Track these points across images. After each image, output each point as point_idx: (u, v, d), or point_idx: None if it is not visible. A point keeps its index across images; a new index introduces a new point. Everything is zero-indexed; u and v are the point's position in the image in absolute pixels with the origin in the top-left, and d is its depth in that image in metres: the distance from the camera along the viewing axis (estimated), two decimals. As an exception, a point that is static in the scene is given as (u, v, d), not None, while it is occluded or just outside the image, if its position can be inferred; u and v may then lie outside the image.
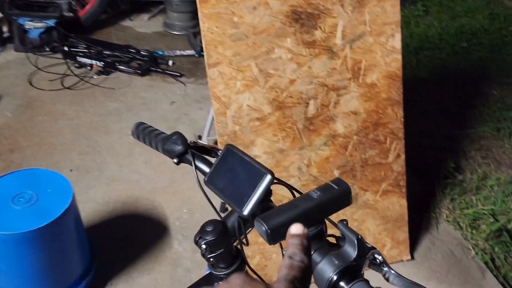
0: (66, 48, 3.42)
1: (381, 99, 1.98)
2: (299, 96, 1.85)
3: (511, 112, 3.50)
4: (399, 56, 1.96)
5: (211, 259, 0.76)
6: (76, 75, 3.25)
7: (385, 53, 1.94)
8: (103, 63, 3.36)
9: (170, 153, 0.88)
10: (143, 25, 4.22)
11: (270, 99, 1.81)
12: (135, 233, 2.15)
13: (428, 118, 3.20)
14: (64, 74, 3.24)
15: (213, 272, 0.80)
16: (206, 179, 0.78)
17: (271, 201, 0.74)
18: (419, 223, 2.33)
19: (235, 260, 0.79)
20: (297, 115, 1.86)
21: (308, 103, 1.87)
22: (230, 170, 0.75)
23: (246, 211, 0.69)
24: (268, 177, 0.69)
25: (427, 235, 2.29)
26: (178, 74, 3.41)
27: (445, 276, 2.09)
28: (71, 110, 2.93)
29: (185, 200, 2.35)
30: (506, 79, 3.96)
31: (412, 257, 2.15)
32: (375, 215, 2.06)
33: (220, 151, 0.91)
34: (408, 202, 2.08)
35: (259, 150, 1.84)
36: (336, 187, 0.63)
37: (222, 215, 0.81)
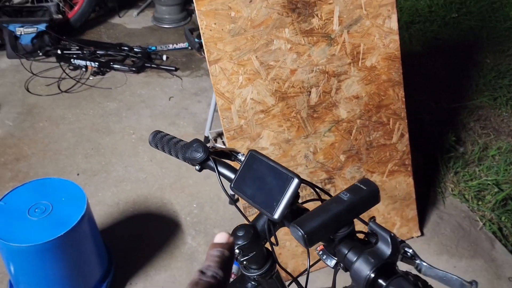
0: (59, 51, 3.40)
1: (382, 81, 1.99)
2: (301, 85, 1.87)
3: (506, 79, 3.53)
4: (397, 37, 1.98)
5: (244, 262, 0.79)
6: (72, 78, 3.24)
7: (383, 35, 1.95)
8: (97, 63, 3.35)
9: (191, 161, 0.90)
10: (132, 21, 4.19)
11: (272, 91, 1.83)
12: (148, 232, 2.18)
13: (425, 92, 3.23)
14: (60, 78, 3.23)
15: (246, 273, 0.83)
16: (232, 185, 0.80)
17: (299, 203, 0.76)
18: (425, 199, 2.37)
19: (266, 261, 0.81)
20: (300, 104, 1.88)
21: (310, 92, 1.89)
22: (256, 175, 0.77)
23: (277, 215, 0.72)
24: (296, 181, 0.72)
25: (435, 210, 2.34)
26: (173, 68, 3.41)
27: (455, 249, 2.13)
28: (71, 113, 2.93)
29: (193, 195, 2.38)
30: (498, 47, 3.98)
31: (422, 233, 2.20)
32: (383, 196, 2.10)
33: (240, 154, 0.94)
34: (413, 180, 2.11)
35: (265, 142, 1.86)
36: (365, 188, 0.65)
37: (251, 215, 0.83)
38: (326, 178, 1.98)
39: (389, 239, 0.61)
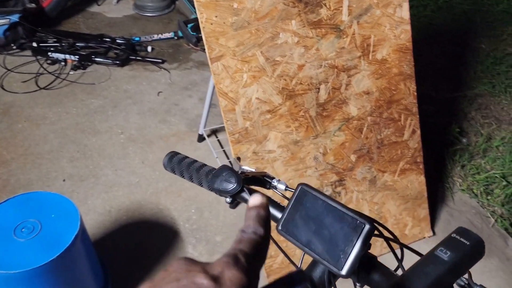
0: (35, 44, 3.17)
1: (393, 74, 1.86)
2: (309, 81, 1.72)
3: (503, 66, 3.45)
4: (408, 27, 1.85)
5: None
6: (50, 73, 3.02)
7: (394, 25, 1.82)
8: (77, 56, 3.13)
9: (222, 193, 0.75)
10: (112, 9, 3.95)
11: (279, 89, 1.68)
12: (145, 241, 2.02)
13: (426, 82, 3.12)
14: (37, 73, 3.01)
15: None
16: (280, 227, 0.65)
17: (371, 254, 0.63)
18: (435, 196, 2.27)
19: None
20: (309, 102, 1.74)
21: (319, 88, 1.74)
22: (310, 216, 0.63)
23: (345, 271, 0.57)
24: (367, 228, 0.58)
25: (444, 207, 2.24)
26: (160, 61, 3.21)
27: (470, 248, 2.04)
28: (52, 112, 2.72)
29: (191, 199, 2.23)
30: (492, 31, 3.90)
31: (434, 233, 2.10)
32: (395, 196, 1.99)
33: (275, 180, 0.79)
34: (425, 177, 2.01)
35: (273, 145, 1.71)
36: (466, 242, 0.51)
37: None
38: (337, 180, 1.86)
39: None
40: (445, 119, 2.80)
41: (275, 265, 1.83)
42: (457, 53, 3.55)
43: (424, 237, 2.08)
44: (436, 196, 2.28)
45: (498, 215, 2.21)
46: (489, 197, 2.31)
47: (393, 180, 1.97)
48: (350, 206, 1.92)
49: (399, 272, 0.64)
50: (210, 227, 2.09)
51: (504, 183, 2.37)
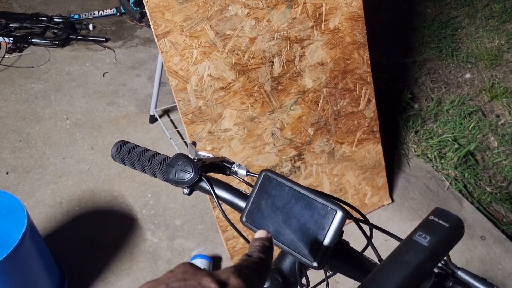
0: (-38, 27, 2.91)
1: (346, 44, 1.83)
2: (262, 55, 1.66)
3: (448, 29, 3.51)
4: (359, -6, 1.81)
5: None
6: (-17, 58, 2.80)
7: (345, -7, 1.77)
8: (11, 38, 2.91)
9: (178, 184, 0.69)
10: (47, -15, 3.69)
11: (232, 64, 1.61)
12: (101, 232, 1.93)
13: (376, 50, 3.12)
14: (-32, 59, 2.77)
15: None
16: (244, 218, 0.60)
17: (343, 240, 0.59)
18: (391, 163, 2.30)
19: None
20: (263, 76, 1.68)
21: (272, 62, 1.69)
22: (276, 205, 0.58)
23: (317, 263, 0.54)
24: (340, 214, 0.54)
25: (401, 174, 2.27)
26: (103, 39, 3.04)
27: (426, 213, 2.08)
28: (-12, 100, 2.53)
29: (146, 184, 2.14)
30: (437, -5, 3.94)
31: (392, 200, 2.13)
32: (354, 166, 1.98)
33: (235, 165, 0.74)
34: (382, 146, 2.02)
35: (228, 123, 1.65)
36: (445, 224, 0.48)
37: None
38: (296, 155, 1.83)
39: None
40: (396, 85, 2.83)
41: (238, 245, 1.80)
42: (405, 19, 3.57)
43: (384, 205, 2.11)
44: (393, 164, 2.31)
45: (452, 178, 2.27)
46: (442, 161, 2.36)
47: (351, 151, 1.96)
48: (310, 180, 1.91)
49: (371, 253, 0.60)
50: (169, 211, 2.03)
51: (456, 146, 2.43)
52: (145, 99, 2.60)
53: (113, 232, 1.94)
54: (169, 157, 0.73)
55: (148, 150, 0.76)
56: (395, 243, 0.54)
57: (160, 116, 2.45)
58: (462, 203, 2.15)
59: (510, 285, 1.86)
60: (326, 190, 1.94)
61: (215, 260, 1.85)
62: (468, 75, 3.07)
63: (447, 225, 0.48)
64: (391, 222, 2.04)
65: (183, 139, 2.31)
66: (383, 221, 2.04)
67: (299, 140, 1.82)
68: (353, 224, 0.62)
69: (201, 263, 1.77)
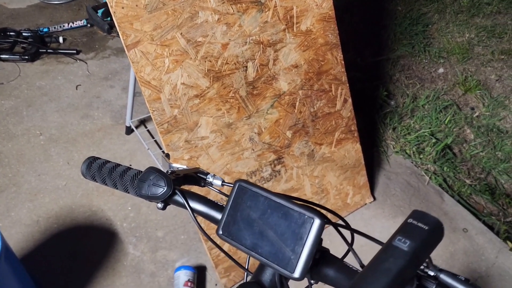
0: None
1: (319, 45, 1.83)
2: (235, 60, 1.64)
3: (419, 26, 3.55)
4: (329, -5, 1.81)
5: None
6: (-51, 77, 2.71)
7: (315, -5, 1.77)
8: (-21, 55, 2.83)
9: (152, 199, 0.67)
10: (13, 0, 3.61)
11: (205, 71, 1.59)
12: (81, 248, 1.89)
13: (350, 49, 3.14)
14: None
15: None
16: (220, 232, 0.58)
17: (323, 247, 0.57)
18: (371, 161, 2.31)
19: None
20: (238, 82, 1.66)
21: (246, 66, 1.67)
22: (254, 216, 0.56)
23: (298, 273, 0.52)
24: (318, 223, 0.52)
25: (382, 171, 2.28)
26: (74, 51, 2.98)
27: (408, 209, 2.10)
28: (-43, 120, 2.45)
29: (125, 196, 2.10)
30: (406, -7, 3.99)
31: (374, 198, 2.13)
32: (334, 167, 1.98)
33: (210, 176, 0.72)
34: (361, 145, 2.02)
35: (205, 131, 1.63)
36: (424, 226, 0.47)
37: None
38: (275, 159, 1.81)
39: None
40: (372, 84, 2.85)
41: (222, 254, 1.77)
42: (376, 17, 3.60)
43: (366, 203, 2.11)
44: (373, 162, 2.32)
45: (432, 172, 2.29)
46: (421, 156, 2.38)
47: (331, 152, 1.96)
48: (291, 183, 1.90)
49: (352, 259, 0.59)
50: (150, 223, 1.99)
51: (434, 140, 2.46)
52: (120, 110, 2.56)
53: (93, 248, 1.89)
54: (141, 171, 0.71)
55: (120, 165, 0.74)
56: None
57: (137, 127, 2.41)
58: (442, 197, 2.16)
59: (495, 276, 1.88)
60: (308, 192, 1.93)
61: (200, 270, 1.82)
62: (441, 70, 3.11)
63: (426, 228, 0.47)
64: (374, 220, 2.04)
65: (161, 149, 2.28)
66: (366, 219, 2.05)
67: (278, 143, 1.81)
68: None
69: (185, 274, 1.74)
